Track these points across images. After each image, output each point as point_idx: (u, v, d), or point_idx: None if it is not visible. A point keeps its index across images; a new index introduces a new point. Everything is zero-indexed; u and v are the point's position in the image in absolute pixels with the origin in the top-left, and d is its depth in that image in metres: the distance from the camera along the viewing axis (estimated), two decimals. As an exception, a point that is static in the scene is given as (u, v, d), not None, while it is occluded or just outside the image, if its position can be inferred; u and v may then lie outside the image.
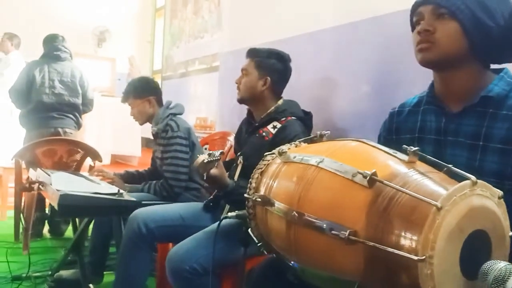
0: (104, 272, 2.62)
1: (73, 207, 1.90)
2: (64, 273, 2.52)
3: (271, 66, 1.99)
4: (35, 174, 2.32)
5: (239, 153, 1.93)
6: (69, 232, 3.38)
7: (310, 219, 0.87)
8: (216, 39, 9.71)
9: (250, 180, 1.05)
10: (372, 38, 2.02)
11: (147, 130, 8.65)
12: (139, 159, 7.51)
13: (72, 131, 3.55)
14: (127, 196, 2.05)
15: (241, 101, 2.01)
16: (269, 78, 1.98)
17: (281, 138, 1.85)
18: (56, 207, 1.88)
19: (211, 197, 2.04)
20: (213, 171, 1.55)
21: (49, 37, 3.69)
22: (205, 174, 1.55)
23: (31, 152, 2.81)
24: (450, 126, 1.18)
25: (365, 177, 0.83)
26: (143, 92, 2.62)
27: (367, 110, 1.99)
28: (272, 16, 2.77)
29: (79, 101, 3.64)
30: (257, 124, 1.99)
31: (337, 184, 0.88)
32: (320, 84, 2.29)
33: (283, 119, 1.93)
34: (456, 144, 1.15)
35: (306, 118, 1.97)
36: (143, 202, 2.34)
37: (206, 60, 9.77)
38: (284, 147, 1.05)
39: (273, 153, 1.06)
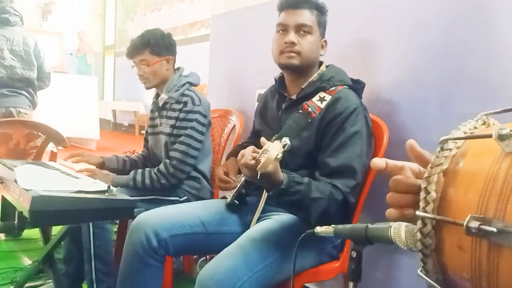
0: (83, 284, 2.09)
1: (50, 213, 1.38)
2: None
3: (325, 22, 1.53)
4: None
5: (276, 136, 1.45)
6: (28, 232, 2.81)
7: None
8: (175, 11, 9.08)
9: (423, 185, 0.59)
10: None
11: (106, 111, 8.01)
12: (98, 142, 6.85)
13: (27, 111, 2.94)
14: (120, 194, 1.55)
15: (298, 68, 1.50)
16: (325, 39, 1.54)
17: (336, 114, 1.41)
18: (26, 214, 1.35)
19: (234, 192, 1.56)
20: (270, 166, 1.09)
21: (-8, -4, 3.00)
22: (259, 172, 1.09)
23: (-21, 138, 2.22)
24: None
25: None
26: (165, 48, 2.06)
27: (428, 79, 1.56)
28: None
29: (34, 74, 3.01)
30: (294, 98, 1.53)
31: None
32: (359, 47, 1.84)
33: (333, 89, 1.48)
34: None
35: (358, 88, 1.53)
36: (142, 198, 1.85)
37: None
38: (502, 127, 0.59)
39: (458, 138, 0.60)
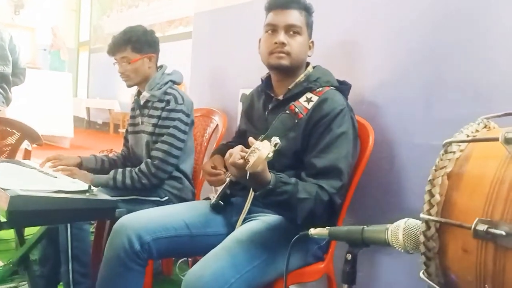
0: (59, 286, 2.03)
1: (29, 213, 1.32)
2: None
3: (312, 23, 1.53)
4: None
5: (262, 136, 1.44)
6: (0, 233, 2.71)
7: None
8: (152, 8, 8.97)
9: (427, 188, 0.59)
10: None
11: (80, 108, 7.85)
12: (71, 140, 6.70)
13: (1, 108, 2.83)
14: (101, 194, 1.50)
15: (288, 69, 1.49)
16: (312, 40, 1.54)
17: (323, 114, 1.40)
18: (3, 214, 1.30)
19: (219, 193, 1.54)
20: (260, 167, 1.08)
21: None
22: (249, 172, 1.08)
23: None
24: None
25: None
26: (147, 45, 2.01)
27: (413, 81, 1.57)
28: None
29: (8, 70, 2.90)
30: (281, 98, 1.51)
31: None
32: (344, 48, 1.84)
33: (320, 89, 1.47)
34: None
35: (344, 89, 1.53)
36: (122, 198, 1.81)
37: (143, 31, 8.97)
38: (509, 130, 0.59)
39: (463, 141, 0.60)
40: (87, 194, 1.45)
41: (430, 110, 1.50)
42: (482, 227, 0.51)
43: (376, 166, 1.60)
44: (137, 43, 1.98)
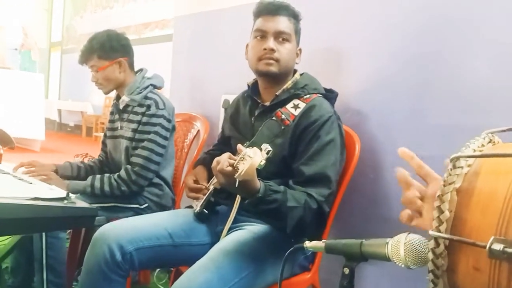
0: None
1: (4, 221, 1.26)
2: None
3: (300, 31, 1.52)
4: None
5: (248, 143, 1.41)
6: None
7: None
8: (127, 10, 8.84)
9: (436, 203, 0.57)
10: None
11: (51, 110, 7.65)
12: (42, 143, 6.51)
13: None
14: (80, 202, 1.44)
15: (276, 75, 1.47)
16: (300, 47, 1.54)
17: (310, 121, 1.39)
18: (-25, 223, 1.23)
19: (203, 201, 1.50)
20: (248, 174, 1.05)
21: None
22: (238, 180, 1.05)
23: None
24: None
25: None
26: (113, 51, 1.94)
27: (398, 89, 1.58)
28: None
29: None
30: (268, 104, 1.49)
31: None
32: (328, 55, 1.84)
33: (307, 96, 1.46)
34: None
35: (331, 97, 1.52)
36: (103, 205, 1.75)
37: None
38: None
39: (472, 156, 0.58)
40: (65, 201, 1.39)
41: (416, 119, 1.51)
42: (498, 247, 0.49)
43: (361, 175, 1.60)
44: (100, 51, 1.93)
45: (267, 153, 1.05)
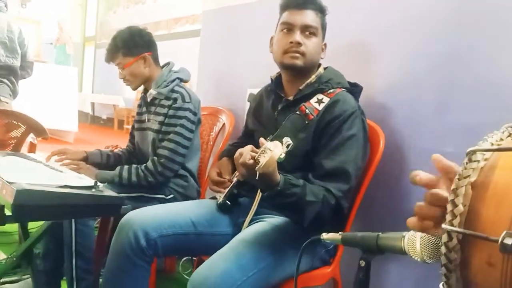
0: (61, 281, 2.01)
1: (34, 207, 1.32)
2: (10, 283, 1.91)
3: (326, 25, 1.52)
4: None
5: (271, 136, 1.42)
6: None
7: None
8: (159, 5, 8.95)
9: (450, 197, 0.57)
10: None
11: (84, 103, 7.84)
12: (75, 135, 6.70)
13: (8, 100, 2.82)
14: (107, 190, 1.49)
15: (301, 69, 1.47)
16: (325, 42, 1.54)
17: (333, 116, 1.39)
18: (8, 207, 1.29)
19: (226, 192, 1.52)
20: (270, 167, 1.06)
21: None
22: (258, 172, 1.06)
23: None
24: None
25: None
26: (136, 47, 1.99)
27: (426, 84, 1.55)
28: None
29: (17, 63, 2.90)
30: (292, 99, 1.50)
31: None
32: (356, 50, 1.82)
33: (331, 91, 1.45)
34: None
35: (355, 91, 1.51)
36: (130, 195, 1.80)
37: (149, 28, 8.94)
38: None
39: (488, 150, 0.58)
40: (93, 190, 1.44)
41: (443, 115, 1.48)
42: (510, 241, 0.49)
43: (386, 171, 1.59)
44: (124, 48, 1.98)
45: (287, 146, 1.06)
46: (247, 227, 1.40)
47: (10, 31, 2.85)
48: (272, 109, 1.57)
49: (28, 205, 1.29)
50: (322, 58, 1.54)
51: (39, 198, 1.30)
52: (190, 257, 2.27)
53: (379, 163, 1.52)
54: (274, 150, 1.03)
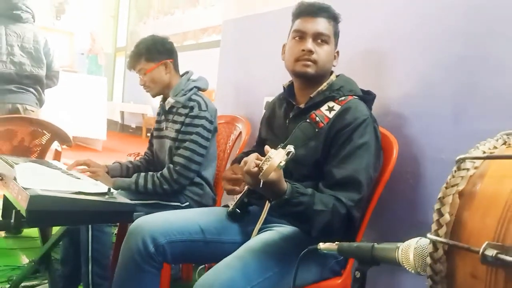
0: (78, 287, 2.05)
1: (47, 213, 1.34)
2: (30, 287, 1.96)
3: (339, 33, 1.50)
4: (-11, 162, 1.73)
5: (281, 145, 1.41)
6: (28, 230, 2.79)
7: None
8: (187, 16, 9.10)
9: (436, 206, 0.55)
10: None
11: (114, 112, 8.02)
12: (104, 143, 6.85)
13: (34, 109, 2.92)
14: (120, 197, 1.51)
15: (313, 77, 1.46)
16: (338, 50, 1.52)
17: (345, 124, 1.37)
18: (23, 212, 1.32)
19: (237, 201, 1.52)
20: (272, 174, 1.05)
21: (5, -7, 3.00)
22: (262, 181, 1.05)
23: (-17, 133, 2.21)
24: None
25: None
26: (159, 53, 2.04)
27: (442, 93, 1.51)
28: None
29: (42, 72, 2.99)
30: (303, 106, 1.49)
31: None
32: (370, 58, 1.80)
33: (342, 98, 1.44)
34: None
35: (368, 99, 1.49)
36: (146, 202, 1.82)
37: (177, 38, 9.12)
38: None
39: (477, 158, 0.56)
40: (106, 196, 1.47)
41: (459, 124, 1.44)
42: (491, 252, 0.47)
43: (400, 181, 1.55)
44: (148, 53, 2.02)
45: (287, 154, 1.05)
46: (256, 235, 1.39)
47: (36, 42, 2.95)
48: (283, 117, 1.56)
49: (41, 210, 1.32)
50: (334, 66, 1.52)
51: (52, 203, 1.33)
52: (206, 266, 2.27)
53: (392, 172, 1.49)
54: (274, 158, 1.02)
